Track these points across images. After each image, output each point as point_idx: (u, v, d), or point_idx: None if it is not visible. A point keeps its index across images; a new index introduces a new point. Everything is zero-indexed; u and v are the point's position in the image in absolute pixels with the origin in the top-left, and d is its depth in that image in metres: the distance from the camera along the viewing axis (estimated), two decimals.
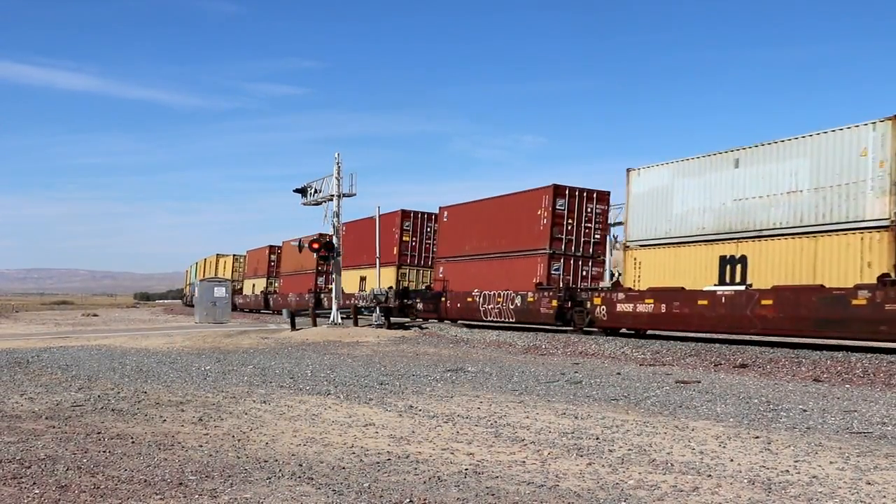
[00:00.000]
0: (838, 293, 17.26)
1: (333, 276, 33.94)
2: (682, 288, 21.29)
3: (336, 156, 32.81)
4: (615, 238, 27.04)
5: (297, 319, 32.40)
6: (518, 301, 27.49)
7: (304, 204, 34.75)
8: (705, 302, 20.33)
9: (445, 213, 33.89)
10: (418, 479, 6.49)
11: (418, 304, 34.91)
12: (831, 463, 7.17)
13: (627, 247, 23.76)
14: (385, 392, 12.26)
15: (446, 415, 9.95)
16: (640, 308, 22.39)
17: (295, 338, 25.67)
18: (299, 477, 6.56)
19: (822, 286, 17.79)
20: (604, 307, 23.81)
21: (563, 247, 26.91)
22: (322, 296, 46.97)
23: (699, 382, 13.86)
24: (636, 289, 23.03)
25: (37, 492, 6.00)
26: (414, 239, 37.48)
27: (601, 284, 25.80)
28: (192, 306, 56.18)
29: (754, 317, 19.07)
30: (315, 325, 31.55)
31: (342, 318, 32.24)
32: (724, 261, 20.41)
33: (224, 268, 74.10)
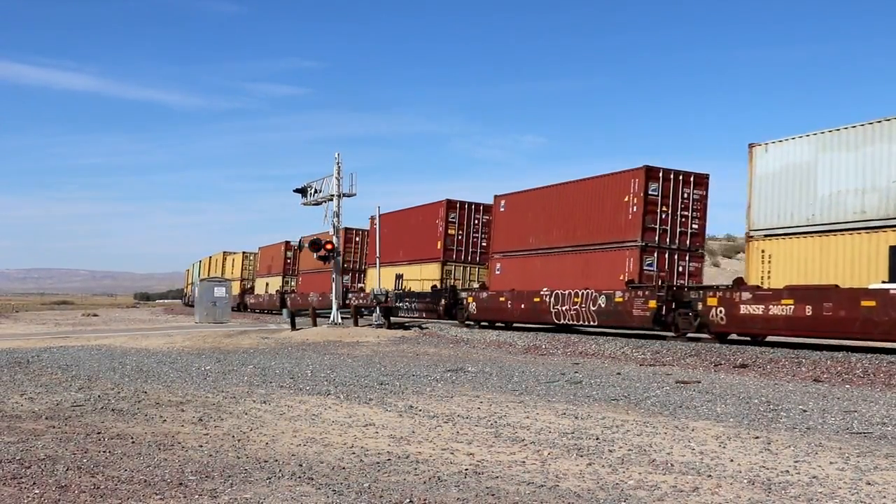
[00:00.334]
0: None
1: (333, 276, 33.95)
2: (836, 286, 17.69)
3: (336, 156, 32.85)
4: None
5: (297, 319, 32.41)
6: (602, 302, 23.87)
7: (304, 204, 34.77)
8: (872, 303, 16.59)
9: (502, 201, 30.25)
10: (418, 479, 6.49)
11: (471, 306, 30.88)
12: (831, 463, 7.17)
13: (751, 237, 20.34)
14: (385, 392, 12.26)
15: (446, 415, 9.95)
16: (775, 310, 18.59)
17: (295, 338, 25.67)
18: (299, 477, 6.56)
19: None
20: (721, 309, 20.12)
21: (656, 238, 23.41)
22: (350, 295, 43.18)
23: (699, 382, 13.85)
24: (767, 287, 19.37)
25: (37, 492, 6.00)
26: (460, 232, 33.96)
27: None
28: (193, 306, 55.80)
29: None
30: (315, 325, 31.55)
31: (342, 318, 32.26)
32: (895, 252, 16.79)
33: (233, 266, 70.43)
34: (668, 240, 23.69)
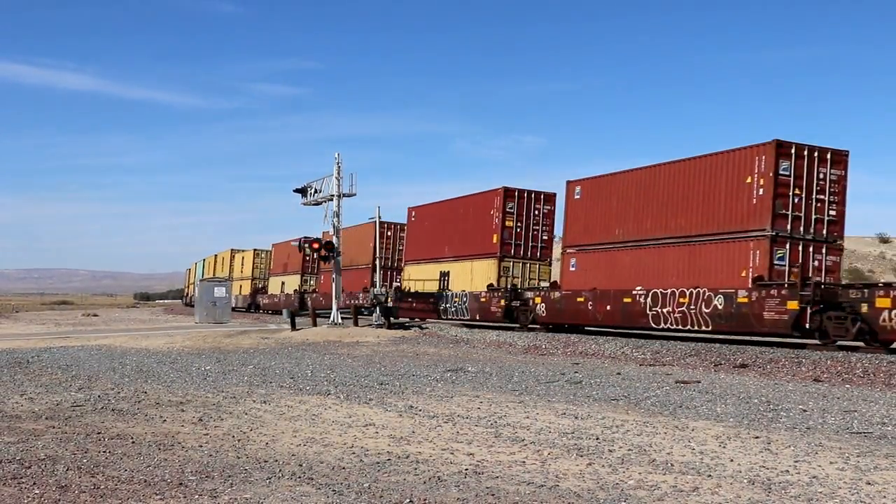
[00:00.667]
0: None
1: (334, 276, 33.94)
2: None
3: (336, 156, 32.84)
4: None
5: (297, 319, 32.43)
6: (719, 302, 20.29)
7: (304, 204, 34.76)
8: None
9: (577, 187, 26.53)
10: (418, 480, 6.49)
11: (538, 308, 26.96)
12: (831, 463, 7.17)
13: None
14: (385, 392, 12.26)
15: (446, 415, 9.95)
16: None
17: (295, 338, 25.67)
18: (299, 477, 6.56)
19: None
20: None
21: (788, 227, 19.95)
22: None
23: (699, 382, 13.85)
24: None
25: (37, 492, 6.00)
26: (519, 224, 30.06)
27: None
28: (193, 306, 55.30)
29: None
30: (315, 325, 31.56)
31: (342, 318, 32.27)
32: None
33: (242, 264, 66.47)
34: (801, 229, 20.16)
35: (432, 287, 33.80)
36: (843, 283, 20.39)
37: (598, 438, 8.37)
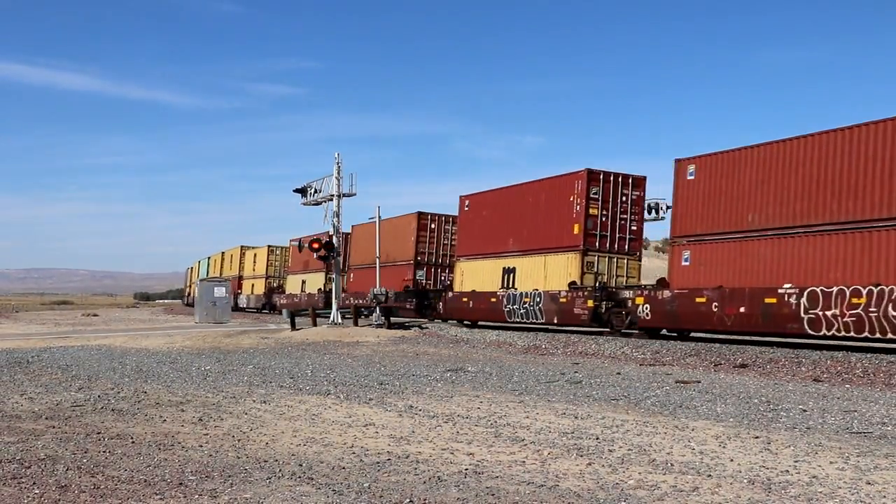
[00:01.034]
0: None
1: (334, 275, 33.94)
2: None
3: (336, 156, 32.85)
4: None
5: (297, 319, 32.44)
6: None
7: (304, 204, 34.79)
8: None
9: (691, 167, 22.22)
10: (418, 479, 6.49)
11: (640, 309, 22.82)
12: (831, 463, 7.17)
13: None
14: (385, 392, 12.26)
15: (446, 415, 9.95)
16: None
17: (295, 338, 25.67)
18: (299, 477, 6.56)
19: None
20: None
21: None
22: (430, 295, 36.20)
23: (699, 382, 13.86)
24: None
25: (37, 492, 6.00)
26: (604, 213, 25.91)
27: None
28: (193, 306, 54.83)
29: None
30: (315, 324, 31.57)
31: (342, 318, 32.28)
32: None
33: (254, 262, 62.26)
34: None
35: (493, 286, 29.55)
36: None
37: (598, 438, 8.37)
